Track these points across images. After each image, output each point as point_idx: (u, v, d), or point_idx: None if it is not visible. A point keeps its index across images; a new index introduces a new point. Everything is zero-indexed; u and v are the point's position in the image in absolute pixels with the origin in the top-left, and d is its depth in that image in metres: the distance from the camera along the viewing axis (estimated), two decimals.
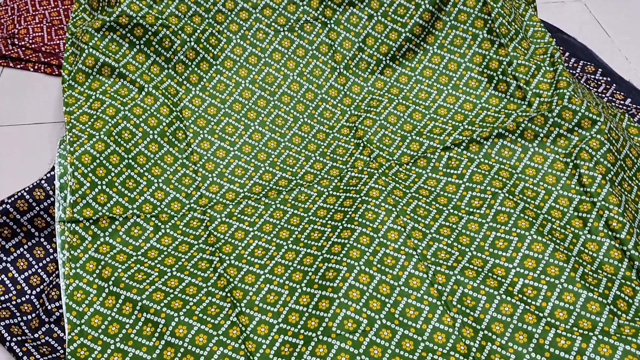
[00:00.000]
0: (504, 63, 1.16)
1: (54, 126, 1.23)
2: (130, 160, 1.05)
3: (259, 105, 1.18)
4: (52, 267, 0.98)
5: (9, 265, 0.97)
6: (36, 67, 1.33)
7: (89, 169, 0.99)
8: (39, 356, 0.88)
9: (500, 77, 1.16)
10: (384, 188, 1.02)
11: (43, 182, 0.96)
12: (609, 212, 0.96)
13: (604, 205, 0.97)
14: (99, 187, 1.00)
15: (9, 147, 1.19)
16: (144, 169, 1.05)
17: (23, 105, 1.27)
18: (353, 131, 1.14)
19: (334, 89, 1.20)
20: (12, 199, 0.95)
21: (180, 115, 1.12)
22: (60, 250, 0.94)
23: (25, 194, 0.95)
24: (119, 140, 1.04)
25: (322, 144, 1.14)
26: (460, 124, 1.13)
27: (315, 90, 1.20)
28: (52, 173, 0.97)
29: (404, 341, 0.85)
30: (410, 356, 0.83)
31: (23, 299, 0.95)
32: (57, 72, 1.33)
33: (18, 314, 0.93)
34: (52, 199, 0.96)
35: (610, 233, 0.95)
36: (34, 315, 0.93)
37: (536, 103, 1.10)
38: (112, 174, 1.02)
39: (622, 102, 1.22)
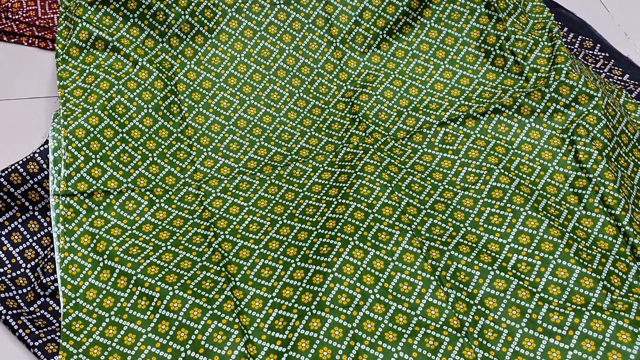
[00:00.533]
0: (502, 38, 1.15)
1: (49, 101, 1.22)
2: (124, 134, 1.04)
3: (254, 80, 1.17)
4: (46, 241, 0.98)
5: (3, 238, 0.97)
6: (30, 41, 1.32)
7: (82, 142, 0.99)
8: (35, 329, 0.88)
9: (498, 52, 1.14)
10: (379, 164, 1.01)
11: (37, 155, 0.96)
12: (605, 188, 0.96)
13: (599, 181, 0.97)
14: (93, 160, 1.00)
15: (3, 122, 1.18)
16: (139, 142, 1.04)
17: (17, 79, 1.26)
18: (349, 106, 1.14)
19: (330, 64, 1.19)
20: (6, 172, 0.95)
21: (175, 89, 1.11)
22: (55, 224, 0.94)
23: (19, 167, 0.95)
24: (113, 114, 1.03)
25: (317, 119, 1.13)
26: (456, 99, 1.12)
27: (311, 64, 1.18)
28: (46, 146, 0.97)
29: (397, 315, 0.85)
30: (403, 330, 0.84)
31: (18, 272, 0.95)
32: (51, 47, 1.32)
33: (13, 288, 0.93)
34: (45, 172, 0.96)
35: (605, 209, 0.95)
36: (29, 288, 0.93)
37: (533, 78, 1.09)
38: (107, 148, 1.01)
39: (620, 77, 1.21)
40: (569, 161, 1.02)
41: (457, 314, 0.85)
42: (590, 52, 1.28)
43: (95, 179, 0.99)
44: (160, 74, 1.10)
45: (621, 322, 0.83)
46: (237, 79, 1.17)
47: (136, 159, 1.03)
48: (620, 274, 0.89)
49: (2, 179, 0.94)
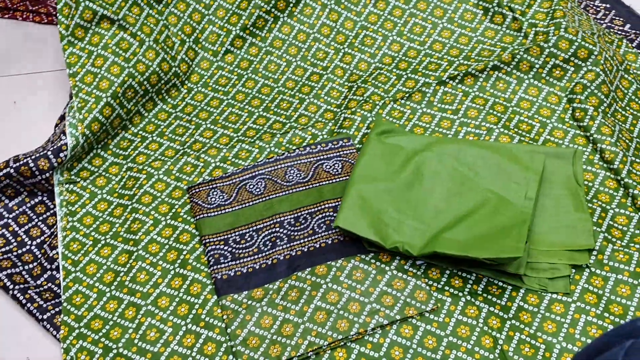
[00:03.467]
0: None
1: (49, 75, 1.22)
2: (127, 122, 1.05)
3: (250, 54, 1.16)
4: (52, 220, 0.99)
5: (10, 221, 0.98)
6: (24, 15, 1.31)
7: (95, 136, 1.00)
8: (42, 302, 0.90)
9: (496, 8, 1.12)
10: None
11: (49, 152, 0.96)
12: (602, 143, 0.95)
13: (597, 138, 0.96)
14: (95, 151, 1.01)
15: (6, 98, 1.18)
16: (138, 128, 1.05)
17: (13, 54, 1.25)
18: (347, 74, 1.12)
19: (326, 27, 1.17)
20: (17, 164, 0.95)
21: (179, 71, 1.10)
22: (60, 208, 0.96)
23: (30, 161, 0.94)
24: (123, 101, 1.04)
25: (316, 86, 1.12)
26: (455, 59, 1.11)
27: (307, 30, 1.17)
28: (59, 144, 0.96)
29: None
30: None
31: (24, 249, 0.96)
32: (46, 20, 1.31)
33: (19, 264, 0.94)
34: (55, 170, 0.97)
35: (604, 164, 0.95)
36: (35, 264, 0.95)
37: (532, 34, 1.07)
38: (109, 137, 1.03)
39: (621, 27, 1.19)
40: (567, 118, 1.01)
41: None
42: (591, 2, 1.25)
43: (97, 167, 1.01)
44: (166, 55, 1.09)
45: (620, 275, 0.84)
46: (234, 55, 1.16)
47: (136, 141, 1.04)
48: (621, 227, 0.89)
49: (12, 170, 0.95)
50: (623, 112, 1.03)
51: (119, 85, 1.03)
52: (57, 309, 0.89)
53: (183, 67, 1.11)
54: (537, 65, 1.05)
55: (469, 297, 0.84)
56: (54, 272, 0.94)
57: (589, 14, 1.20)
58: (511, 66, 1.06)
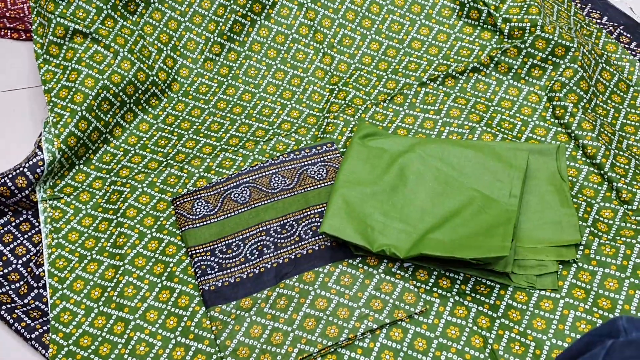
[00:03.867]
0: None
1: (28, 92, 1.21)
2: (107, 135, 1.04)
3: (229, 59, 1.15)
4: (37, 238, 0.98)
5: None
6: (2, 33, 1.30)
7: (73, 151, 0.99)
8: (30, 321, 0.89)
9: (472, 4, 1.12)
10: None
11: (25, 169, 0.95)
12: (583, 139, 0.96)
13: (578, 134, 0.97)
14: (77, 167, 1.00)
15: None
16: (120, 140, 1.05)
17: None
18: (328, 76, 1.12)
19: (305, 27, 1.16)
20: None
21: (157, 80, 1.10)
22: (44, 225, 0.96)
23: (8, 181, 0.94)
24: (99, 114, 1.03)
25: (297, 90, 1.12)
26: (435, 58, 1.11)
27: (285, 31, 1.16)
28: (34, 160, 0.95)
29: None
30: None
31: (10, 268, 0.95)
32: (24, 37, 1.30)
33: (6, 283, 0.93)
34: (33, 186, 0.96)
35: (587, 160, 0.95)
36: (22, 282, 0.94)
37: (507, 29, 1.07)
38: (90, 151, 1.02)
39: (598, 20, 1.19)
40: (548, 116, 1.01)
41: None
42: None
43: (80, 182, 1.00)
44: (142, 65, 1.09)
45: (608, 269, 0.84)
46: (214, 62, 1.15)
47: (118, 155, 1.03)
48: (607, 220, 0.89)
49: None
50: (604, 106, 1.03)
51: (93, 98, 1.02)
52: (45, 328, 0.88)
53: (162, 75, 1.11)
54: (515, 67, 1.06)
55: (457, 298, 0.84)
56: (41, 290, 0.93)
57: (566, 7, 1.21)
58: (490, 68, 1.06)
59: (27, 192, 0.96)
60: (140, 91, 1.08)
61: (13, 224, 0.99)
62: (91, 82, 1.03)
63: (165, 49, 1.13)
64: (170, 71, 1.12)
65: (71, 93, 1.02)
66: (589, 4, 1.22)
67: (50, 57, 1.06)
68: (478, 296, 0.84)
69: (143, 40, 1.11)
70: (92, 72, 1.04)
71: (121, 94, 1.05)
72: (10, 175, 0.95)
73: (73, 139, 0.99)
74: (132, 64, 1.07)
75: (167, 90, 1.11)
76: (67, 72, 1.04)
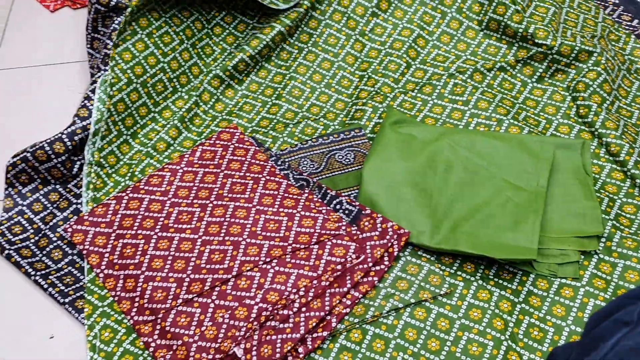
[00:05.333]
0: None
1: (77, 65, 1.23)
2: (156, 114, 1.07)
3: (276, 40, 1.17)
4: (64, 204, 1.01)
5: (24, 208, 1.00)
6: (61, 2, 1.32)
7: (120, 117, 1.02)
8: (63, 287, 0.92)
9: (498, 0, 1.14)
10: None
11: (64, 136, 0.97)
12: (606, 137, 0.98)
13: (601, 132, 0.99)
14: (124, 137, 1.03)
15: (46, 85, 1.19)
16: (167, 121, 1.07)
17: (44, 44, 1.27)
18: (358, 62, 1.14)
19: (338, 13, 1.19)
20: (33, 148, 0.97)
21: (210, 87, 1.11)
22: (85, 190, 0.98)
23: (45, 145, 0.97)
24: (152, 92, 1.06)
25: (327, 74, 1.14)
26: (462, 54, 1.13)
27: (318, 16, 1.19)
28: (73, 128, 0.98)
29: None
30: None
31: (40, 235, 0.98)
32: (79, 5, 1.31)
33: (38, 251, 0.96)
34: (69, 154, 0.98)
35: (610, 157, 0.97)
36: (51, 247, 0.96)
37: (532, 29, 1.09)
38: (137, 126, 1.05)
39: (629, 23, 1.21)
40: (572, 115, 1.04)
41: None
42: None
43: (123, 154, 1.03)
44: (199, 60, 1.12)
45: (629, 262, 0.86)
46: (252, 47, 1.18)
47: (161, 132, 1.06)
48: (629, 215, 0.91)
49: (28, 154, 0.97)
50: (628, 108, 1.06)
51: (150, 76, 1.05)
52: (78, 294, 0.91)
53: (214, 82, 1.12)
54: (540, 70, 1.09)
55: (480, 282, 0.86)
56: (75, 257, 0.96)
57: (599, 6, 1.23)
58: (516, 70, 1.09)
59: (63, 158, 0.98)
60: (192, 84, 1.11)
61: (41, 192, 1.01)
62: (153, 60, 1.06)
63: (229, 48, 1.17)
64: (225, 72, 1.13)
65: (133, 61, 1.05)
66: (622, 6, 1.23)
67: (130, 21, 1.07)
68: (501, 281, 0.87)
69: (209, 40, 1.14)
70: (157, 51, 1.07)
71: (175, 80, 1.09)
72: (48, 141, 0.97)
73: (122, 105, 1.02)
74: (191, 57, 1.11)
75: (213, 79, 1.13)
76: (136, 38, 1.06)
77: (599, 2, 1.23)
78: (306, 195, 0.94)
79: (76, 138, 0.98)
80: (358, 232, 0.90)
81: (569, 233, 0.88)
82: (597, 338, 0.44)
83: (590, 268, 0.87)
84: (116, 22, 1.08)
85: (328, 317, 0.83)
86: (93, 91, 1.01)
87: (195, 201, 0.95)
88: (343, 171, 0.99)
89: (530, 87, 1.09)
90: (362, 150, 1.01)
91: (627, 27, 1.19)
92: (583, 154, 0.95)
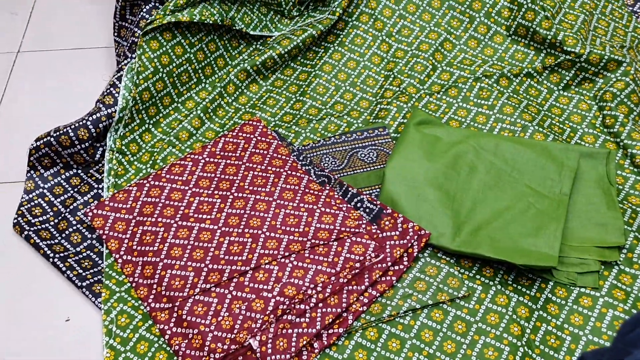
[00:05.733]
0: None
1: (102, 51, 1.24)
2: (179, 104, 1.08)
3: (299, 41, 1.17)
4: (85, 188, 1.01)
5: (45, 190, 1.01)
6: None
7: (144, 105, 1.03)
8: (81, 270, 0.92)
9: (530, 5, 1.13)
10: None
11: (89, 123, 0.98)
12: (632, 149, 0.98)
13: (627, 143, 0.98)
14: (146, 125, 1.04)
15: (74, 69, 1.20)
16: (190, 111, 1.08)
17: (69, 28, 1.28)
18: (384, 62, 1.14)
19: (365, 15, 1.19)
20: (57, 133, 0.97)
21: (236, 79, 1.12)
22: (107, 176, 0.99)
23: (70, 131, 0.97)
24: (176, 82, 1.07)
25: (352, 73, 1.14)
26: (489, 58, 1.13)
27: (345, 18, 1.19)
28: (98, 115, 0.99)
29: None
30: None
31: (60, 218, 0.99)
32: None
33: (57, 235, 0.97)
34: (93, 140, 0.99)
35: (635, 169, 0.97)
36: (71, 230, 0.97)
37: (561, 36, 1.08)
38: (160, 115, 1.06)
39: None
40: (597, 124, 1.03)
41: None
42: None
43: (145, 143, 1.03)
44: (225, 53, 1.13)
45: None
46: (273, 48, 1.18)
47: (184, 122, 1.06)
48: None
49: (52, 139, 0.97)
50: None
51: (176, 66, 1.06)
52: (95, 278, 0.91)
53: (241, 75, 1.13)
54: (567, 78, 1.08)
55: (499, 287, 0.86)
56: (94, 242, 0.96)
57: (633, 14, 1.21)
58: (542, 76, 1.09)
59: (86, 145, 0.99)
60: (216, 76, 1.12)
61: (63, 176, 1.02)
62: (180, 50, 1.07)
63: (255, 44, 1.17)
64: (253, 67, 1.13)
65: (160, 51, 1.05)
66: None
67: (162, 9, 1.07)
68: (519, 287, 0.86)
69: (236, 32, 1.15)
70: (184, 41, 1.08)
71: (200, 71, 1.09)
72: (73, 127, 0.98)
73: (147, 94, 1.03)
74: (217, 49, 1.12)
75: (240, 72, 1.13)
76: (162, 28, 1.06)
77: (631, 8, 1.22)
78: (327, 191, 0.94)
79: (101, 125, 0.98)
80: (378, 231, 0.89)
81: (590, 242, 0.88)
82: (631, 344, 0.43)
83: (610, 279, 0.86)
84: (145, 10, 1.09)
85: (345, 314, 0.83)
86: (119, 79, 1.01)
87: (216, 192, 0.95)
88: (365, 169, 0.99)
89: (557, 95, 1.08)
90: (385, 150, 1.01)
91: None
92: (607, 164, 0.95)
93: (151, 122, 1.05)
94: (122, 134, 1.01)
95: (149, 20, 1.04)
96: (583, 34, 1.11)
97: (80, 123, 0.98)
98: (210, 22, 1.07)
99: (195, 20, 1.05)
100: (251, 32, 1.15)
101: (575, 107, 1.07)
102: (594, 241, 0.88)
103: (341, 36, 1.18)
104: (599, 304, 0.84)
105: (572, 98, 1.08)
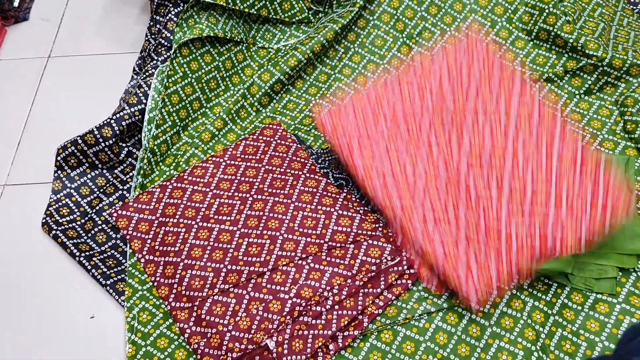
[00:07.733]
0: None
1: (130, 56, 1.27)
2: (207, 109, 1.10)
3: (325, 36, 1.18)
4: (110, 190, 1.04)
5: (72, 191, 1.04)
6: None
7: (175, 108, 1.06)
8: (106, 269, 0.95)
9: (551, 9, 1.13)
10: None
11: (113, 122, 1.02)
12: None
13: None
14: (177, 128, 1.07)
15: (105, 74, 1.23)
16: (216, 116, 1.10)
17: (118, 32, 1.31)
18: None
19: (387, 14, 1.18)
20: (83, 132, 1.01)
21: (259, 80, 1.14)
22: (136, 175, 1.01)
23: (95, 129, 1.01)
24: (205, 88, 1.10)
25: (372, 77, 1.15)
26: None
27: (367, 16, 1.19)
28: (121, 114, 1.02)
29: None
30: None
31: (86, 218, 1.02)
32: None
33: (83, 233, 1.00)
34: (116, 138, 1.02)
35: None
36: (97, 230, 1.00)
37: (583, 40, 1.08)
38: (189, 119, 1.08)
39: None
40: (618, 130, 1.03)
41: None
42: None
43: (173, 144, 1.06)
44: (252, 62, 1.16)
45: None
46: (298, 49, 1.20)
47: (210, 126, 1.09)
48: None
49: (78, 138, 1.01)
50: None
51: (205, 73, 1.09)
52: (119, 277, 0.94)
53: (265, 76, 1.14)
54: (589, 82, 1.07)
55: (514, 291, 0.86)
56: (118, 241, 0.99)
57: None
58: (564, 80, 1.08)
59: (110, 142, 1.02)
60: (245, 84, 1.13)
61: (89, 176, 1.05)
62: (209, 58, 1.10)
63: (283, 49, 1.20)
64: (276, 67, 1.15)
65: (190, 57, 1.08)
66: None
67: (191, 15, 1.10)
68: (535, 292, 0.87)
69: (264, 42, 1.19)
70: (213, 50, 1.11)
71: (227, 79, 1.12)
72: (97, 126, 1.01)
73: (176, 97, 1.06)
74: (244, 59, 1.15)
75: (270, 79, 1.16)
76: (194, 34, 1.07)
77: None
78: (345, 194, 0.96)
79: (124, 124, 1.01)
80: (394, 234, 0.90)
81: (608, 249, 0.87)
82: (632, 352, 0.44)
83: (628, 285, 0.86)
84: (173, 12, 1.11)
85: (360, 317, 0.85)
86: (144, 80, 1.04)
87: (236, 194, 0.98)
88: None
89: (577, 100, 1.08)
90: None
91: None
92: (627, 170, 0.94)
93: (181, 125, 1.08)
94: (154, 134, 1.03)
95: (184, 35, 1.07)
96: (604, 40, 1.10)
97: (105, 122, 1.02)
98: (238, 39, 1.10)
99: (226, 37, 1.09)
100: (275, 47, 1.17)
101: (595, 112, 1.06)
102: (613, 247, 0.87)
103: (362, 36, 1.19)
104: (615, 311, 0.84)
105: (592, 104, 1.07)
